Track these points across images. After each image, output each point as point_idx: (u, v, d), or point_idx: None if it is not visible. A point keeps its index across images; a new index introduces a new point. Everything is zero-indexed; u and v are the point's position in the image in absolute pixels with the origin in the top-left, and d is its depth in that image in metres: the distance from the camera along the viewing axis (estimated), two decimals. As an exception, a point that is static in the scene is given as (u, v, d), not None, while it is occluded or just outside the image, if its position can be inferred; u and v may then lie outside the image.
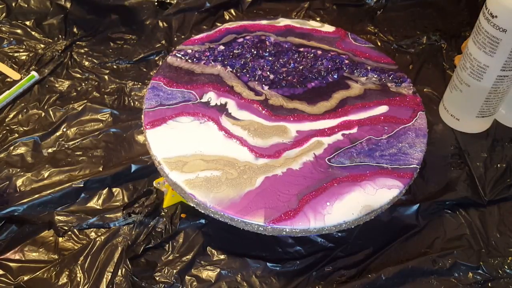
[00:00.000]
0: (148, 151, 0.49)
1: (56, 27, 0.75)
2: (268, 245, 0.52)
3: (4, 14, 0.76)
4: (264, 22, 0.63)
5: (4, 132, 0.61)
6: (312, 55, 0.59)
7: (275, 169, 0.47)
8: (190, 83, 0.54)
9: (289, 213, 0.44)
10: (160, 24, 0.76)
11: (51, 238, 0.52)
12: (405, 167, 0.48)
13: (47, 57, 0.70)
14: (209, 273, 0.50)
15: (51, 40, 0.73)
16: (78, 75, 0.69)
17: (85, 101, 0.65)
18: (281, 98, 0.53)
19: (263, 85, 0.55)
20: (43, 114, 0.63)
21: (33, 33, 0.74)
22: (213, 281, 0.49)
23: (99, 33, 0.75)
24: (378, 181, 0.46)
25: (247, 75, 0.56)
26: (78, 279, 0.48)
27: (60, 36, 0.74)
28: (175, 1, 0.79)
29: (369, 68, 0.58)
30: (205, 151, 0.48)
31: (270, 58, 0.58)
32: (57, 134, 0.61)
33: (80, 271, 0.49)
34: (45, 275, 0.49)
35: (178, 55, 0.58)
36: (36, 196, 0.54)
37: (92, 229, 0.53)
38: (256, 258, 0.51)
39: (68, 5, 0.77)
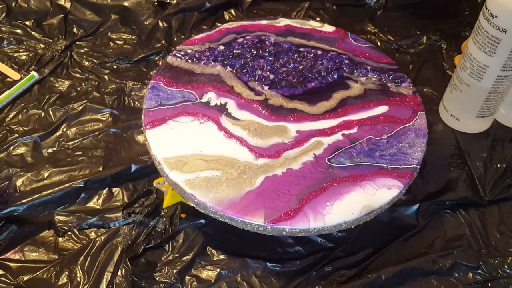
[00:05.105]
0: (148, 151, 0.49)
1: (56, 27, 0.75)
2: (268, 245, 0.52)
3: (4, 14, 0.76)
4: (264, 22, 0.63)
5: (4, 132, 0.61)
6: (312, 55, 0.59)
7: (275, 169, 0.47)
8: (190, 83, 0.54)
9: (289, 213, 0.44)
10: (160, 24, 0.76)
11: (51, 238, 0.52)
12: (405, 167, 0.48)
13: (47, 57, 0.70)
14: (209, 273, 0.50)
15: (51, 40, 0.73)
16: (78, 75, 0.69)
17: (85, 101, 0.65)
18: (281, 98, 0.53)
19: (263, 85, 0.55)
20: (43, 114, 0.63)
21: (33, 33, 0.74)
22: (213, 281, 0.49)
23: (99, 33, 0.75)
24: (378, 181, 0.46)
25: (247, 75, 0.56)
26: (78, 279, 0.48)
27: (60, 36, 0.74)
28: (175, 1, 0.79)
29: (369, 68, 0.58)
30: (205, 151, 0.48)
31: (270, 58, 0.58)
32: (57, 134, 0.61)
33: (80, 271, 0.49)
34: (45, 275, 0.49)
35: (178, 55, 0.58)
36: (36, 196, 0.54)
37: (92, 229, 0.53)
38: (256, 258, 0.51)
39: (68, 5, 0.77)
